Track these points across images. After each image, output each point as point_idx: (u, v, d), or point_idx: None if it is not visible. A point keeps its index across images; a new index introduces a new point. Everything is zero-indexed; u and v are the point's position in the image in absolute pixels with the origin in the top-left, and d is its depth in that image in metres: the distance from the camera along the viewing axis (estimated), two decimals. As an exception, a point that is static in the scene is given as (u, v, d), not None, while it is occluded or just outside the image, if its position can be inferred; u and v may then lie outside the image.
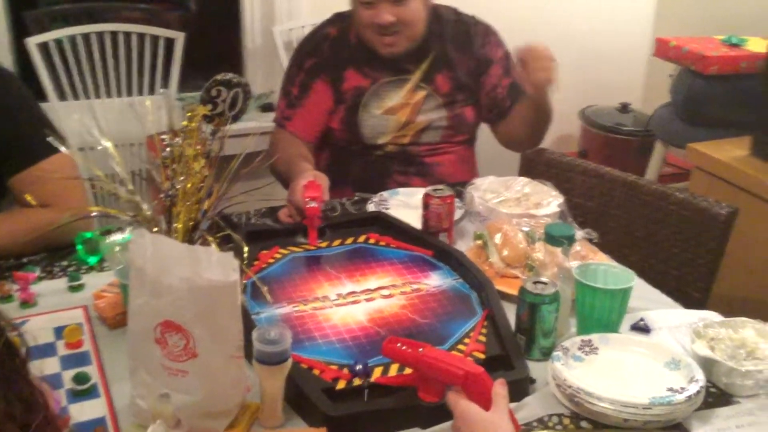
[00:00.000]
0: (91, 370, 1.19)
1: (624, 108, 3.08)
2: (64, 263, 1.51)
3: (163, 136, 1.25)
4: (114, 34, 2.45)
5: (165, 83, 2.55)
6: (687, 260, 1.73)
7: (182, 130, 1.07)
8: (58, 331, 1.27)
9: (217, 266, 0.97)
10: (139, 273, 0.99)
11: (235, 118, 1.15)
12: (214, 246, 1.07)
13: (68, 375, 1.16)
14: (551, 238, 1.32)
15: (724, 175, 2.25)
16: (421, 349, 1.07)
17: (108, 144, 1.12)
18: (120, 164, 1.14)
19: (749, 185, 2.17)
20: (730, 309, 1.42)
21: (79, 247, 1.53)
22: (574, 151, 3.18)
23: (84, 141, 2.40)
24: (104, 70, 2.47)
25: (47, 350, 1.23)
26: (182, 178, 1.11)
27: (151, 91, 2.53)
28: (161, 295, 0.98)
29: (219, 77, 1.12)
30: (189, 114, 1.06)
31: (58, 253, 1.54)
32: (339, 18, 2.05)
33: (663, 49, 2.58)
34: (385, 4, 1.87)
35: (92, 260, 1.52)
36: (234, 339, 1.01)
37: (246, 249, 1.07)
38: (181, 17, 3.24)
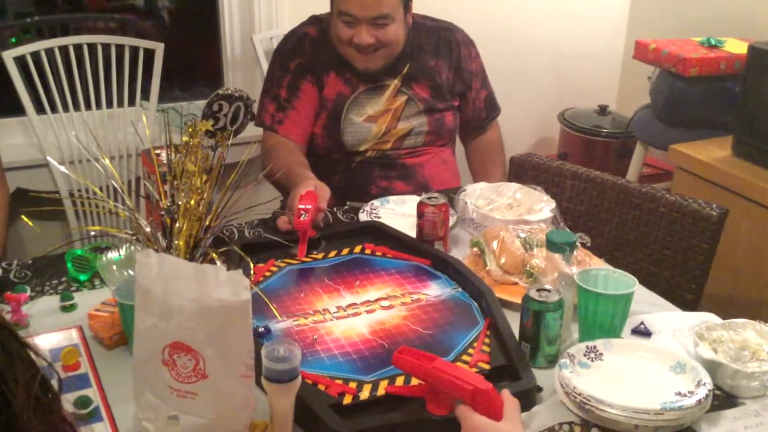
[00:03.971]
0: (91, 392, 1.16)
1: (602, 110, 3.10)
2: (54, 281, 1.48)
3: (158, 151, 1.23)
4: (92, 45, 2.41)
5: (144, 95, 2.51)
6: (678, 262, 1.74)
7: (184, 145, 1.04)
8: (55, 354, 1.24)
9: (227, 285, 0.95)
10: (146, 295, 0.97)
11: (237, 132, 1.13)
12: (219, 263, 1.05)
13: (68, 399, 1.13)
14: (552, 245, 1.32)
15: (706, 175, 2.28)
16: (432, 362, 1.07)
17: (106, 161, 1.09)
18: (119, 181, 1.11)
19: (731, 185, 2.19)
20: (720, 309, 1.44)
21: (69, 264, 1.50)
22: (554, 153, 3.20)
23: (68, 155, 2.41)
24: (82, 83, 2.42)
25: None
26: (184, 194, 1.08)
27: (131, 103, 2.49)
28: (171, 316, 0.95)
29: (221, 91, 1.10)
30: (190, 129, 1.04)
31: (47, 271, 1.50)
32: (316, 20, 2.04)
33: (642, 52, 2.60)
34: (366, 26, 1.87)
35: (83, 278, 1.48)
36: (245, 358, 0.99)
37: (252, 265, 1.05)
38: (156, 27, 3.20)
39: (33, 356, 0.61)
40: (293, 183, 1.74)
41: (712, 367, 1.20)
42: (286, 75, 1.99)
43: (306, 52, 1.98)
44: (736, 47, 2.48)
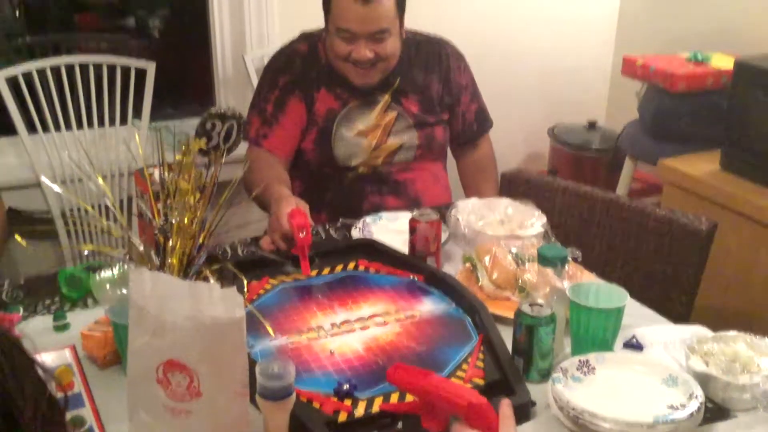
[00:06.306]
0: (85, 412, 1.16)
1: (591, 126, 3.13)
2: (47, 301, 1.47)
3: (151, 170, 1.24)
4: (84, 65, 2.42)
5: (136, 113, 2.52)
6: (669, 276, 1.76)
7: (177, 164, 1.05)
8: (48, 374, 1.23)
9: (221, 302, 0.96)
10: (140, 312, 0.97)
11: (230, 151, 1.14)
12: (213, 281, 1.06)
13: (62, 419, 1.13)
14: (544, 260, 1.33)
15: (695, 189, 2.30)
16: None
17: (99, 180, 1.09)
18: (111, 199, 1.12)
19: (720, 198, 2.22)
20: (711, 322, 1.45)
21: (62, 284, 1.50)
22: (545, 168, 3.22)
23: (60, 175, 2.41)
24: (74, 102, 2.43)
25: (37, 394, 1.20)
26: (177, 212, 1.09)
27: (123, 122, 2.50)
28: (164, 334, 0.96)
29: (214, 110, 1.11)
30: (184, 148, 1.04)
31: (39, 291, 1.50)
32: (307, 36, 2.05)
33: (630, 68, 2.63)
34: (365, 41, 1.88)
35: (76, 297, 1.48)
36: (239, 376, 0.99)
37: (245, 282, 1.05)
38: (147, 45, 3.22)
39: (42, 373, 0.61)
40: (271, 199, 1.74)
41: (703, 379, 1.21)
42: (273, 90, 2.00)
43: (295, 69, 1.99)
44: (723, 62, 2.51)
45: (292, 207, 1.64)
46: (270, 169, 1.92)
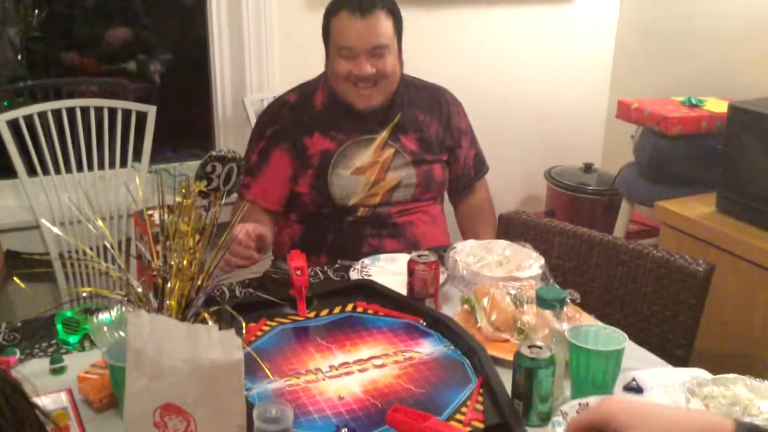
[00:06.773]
0: (81, 457, 1.15)
1: (588, 168, 3.15)
2: (44, 344, 1.47)
3: (151, 212, 1.25)
4: (85, 109, 2.45)
5: (136, 156, 2.54)
6: (667, 318, 1.75)
7: (177, 206, 1.06)
8: (43, 417, 1.22)
9: (219, 345, 0.96)
10: (138, 355, 0.97)
11: (230, 193, 1.15)
12: (211, 323, 1.06)
13: (57, 463, 1.12)
14: (543, 301, 1.33)
15: (692, 231, 2.30)
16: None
17: (98, 221, 1.10)
18: (111, 240, 1.12)
19: (717, 240, 2.22)
20: (710, 364, 1.44)
21: (59, 326, 1.49)
22: (542, 210, 3.23)
23: (59, 217, 2.42)
24: (75, 145, 2.45)
25: (32, 438, 1.18)
26: (176, 254, 1.09)
27: (123, 164, 2.51)
28: (162, 377, 0.95)
29: (214, 153, 1.12)
30: (184, 190, 1.05)
31: (36, 333, 1.49)
32: (301, 86, 2.10)
33: (625, 111, 2.66)
34: (365, 56, 1.92)
35: (73, 340, 1.47)
36: (236, 419, 0.98)
37: (244, 324, 1.05)
38: (148, 89, 3.25)
39: (41, 417, 0.61)
40: None
41: (704, 422, 1.20)
42: (260, 142, 2.04)
43: (284, 119, 2.03)
44: (716, 106, 2.54)
45: (246, 226, 1.67)
46: (251, 217, 1.95)
